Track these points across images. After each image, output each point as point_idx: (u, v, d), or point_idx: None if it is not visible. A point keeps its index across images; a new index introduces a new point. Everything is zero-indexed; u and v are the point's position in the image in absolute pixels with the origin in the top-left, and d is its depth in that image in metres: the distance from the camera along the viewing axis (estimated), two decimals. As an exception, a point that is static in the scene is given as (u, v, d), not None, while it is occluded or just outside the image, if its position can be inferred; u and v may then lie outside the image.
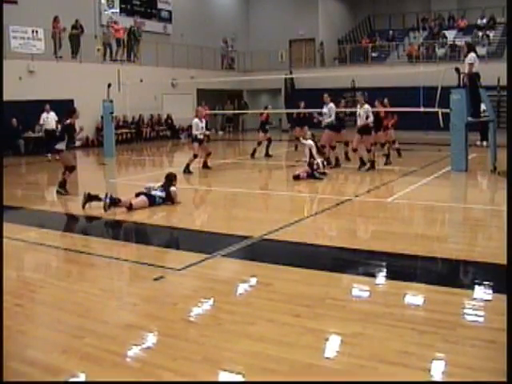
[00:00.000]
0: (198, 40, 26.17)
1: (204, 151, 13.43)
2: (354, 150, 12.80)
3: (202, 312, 4.56)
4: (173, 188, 9.01)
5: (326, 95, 13.59)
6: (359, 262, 6.01)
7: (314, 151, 11.50)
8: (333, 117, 13.27)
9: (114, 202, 8.41)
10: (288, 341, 3.86)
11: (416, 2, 31.00)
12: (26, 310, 4.67)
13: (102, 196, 8.47)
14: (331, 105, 13.32)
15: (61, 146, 10.26)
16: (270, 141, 16.21)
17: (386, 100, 14.56)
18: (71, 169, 10.36)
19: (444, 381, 3.37)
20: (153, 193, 8.86)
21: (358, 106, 12.54)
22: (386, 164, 13.49)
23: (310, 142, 11.62)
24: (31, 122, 17.92)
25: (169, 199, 8.95)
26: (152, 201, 8.77)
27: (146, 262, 5.90)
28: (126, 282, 5.66)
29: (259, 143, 16.19)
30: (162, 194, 8.90)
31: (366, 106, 12.36)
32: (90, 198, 8.68)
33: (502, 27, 26.13)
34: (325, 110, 13.38)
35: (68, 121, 10.30)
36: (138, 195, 8.81)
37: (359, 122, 12.49)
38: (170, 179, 9.16)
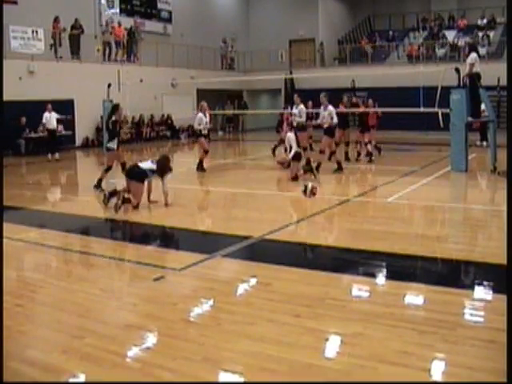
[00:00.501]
0: (198, 40, 26.17)
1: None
2: (321, 152, 12.48)
3: (201, 312, 4.56)
4: (166, 185, 8.80)
5: (295, 96, 13.84)
6: (359, 262, 6.00)
7: (294, 145, 11.35)
8: (303, 118, 13.33)
9: (114, 193, 8.56)
10: (288, 341, 3.86)
11: (416, 2, 31.00)
12: (26, 310, 4.67)
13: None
14: (301, 106, 13.42)
15: (112, 144, 10.19)
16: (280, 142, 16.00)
17: (370, 101, 14.88)
18: (124, 165, 10.29)
19: (444, 381, 3.38)
20: (142, 166, 8.77)
21: (322, 108, 12.25)
22: (369, 161, 14.09)
23: (290, 134, 11.54)
24: (31, 122, 17.92)
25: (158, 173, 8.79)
26: (146, 177, 8.72)
27: (146, 262, 5.90)
28: (125, 282, 5.66)
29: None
30: (153, 166, 8.74)
31: (330, 108, 12.12)
32: (110, 195, 8.77)
33: (501, 27, 26.15)
34: (295, 110, 13.40)
35: (114, 117, 10.20)
36: (130, 178, 8.67)
37: (323, 124, 12.20)
38: (164, 162, 8.92)
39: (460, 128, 11.86)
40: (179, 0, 26.96)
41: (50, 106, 16.53)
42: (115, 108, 10.37)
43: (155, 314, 4.49)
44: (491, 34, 26.13)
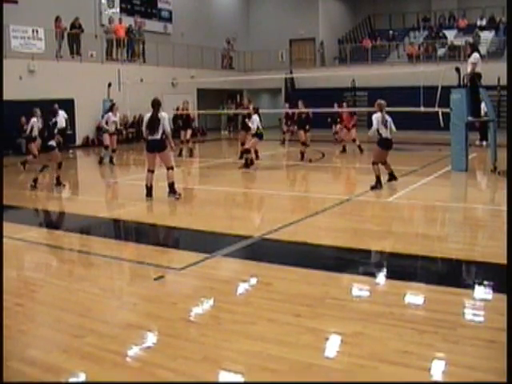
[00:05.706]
0: (199, 40, 26.15)
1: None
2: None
3: (202, 311, 4.56)
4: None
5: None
6: (359, 261, 6.00)
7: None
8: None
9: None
10: (288, 340, 3.86)
11: (416, 2, 31.00)
12: (27, 310, 4.67)
13: None
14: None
15: (53, 143, 10.93)
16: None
17: (344, 103, 16.84)
18: (61, 165, 11.17)
19: (444, 381, 3.38)
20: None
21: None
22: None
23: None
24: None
25: None
26: None
27: (146, 262, 5.91)
28: (126, 282, 5.65)
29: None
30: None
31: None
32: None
33: (502, 27, 26.14)
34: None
35: (54, 119, 11.01)
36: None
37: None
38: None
39: (460, 128, 11.86)
40: (179, 0, 26.95)
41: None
42: (55, 111, 11.25)
43: (155, 313, 4.49)
44: (491, 33, 26.16)
